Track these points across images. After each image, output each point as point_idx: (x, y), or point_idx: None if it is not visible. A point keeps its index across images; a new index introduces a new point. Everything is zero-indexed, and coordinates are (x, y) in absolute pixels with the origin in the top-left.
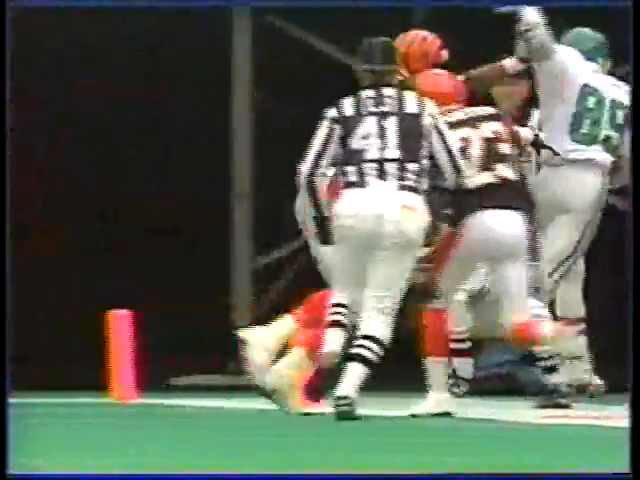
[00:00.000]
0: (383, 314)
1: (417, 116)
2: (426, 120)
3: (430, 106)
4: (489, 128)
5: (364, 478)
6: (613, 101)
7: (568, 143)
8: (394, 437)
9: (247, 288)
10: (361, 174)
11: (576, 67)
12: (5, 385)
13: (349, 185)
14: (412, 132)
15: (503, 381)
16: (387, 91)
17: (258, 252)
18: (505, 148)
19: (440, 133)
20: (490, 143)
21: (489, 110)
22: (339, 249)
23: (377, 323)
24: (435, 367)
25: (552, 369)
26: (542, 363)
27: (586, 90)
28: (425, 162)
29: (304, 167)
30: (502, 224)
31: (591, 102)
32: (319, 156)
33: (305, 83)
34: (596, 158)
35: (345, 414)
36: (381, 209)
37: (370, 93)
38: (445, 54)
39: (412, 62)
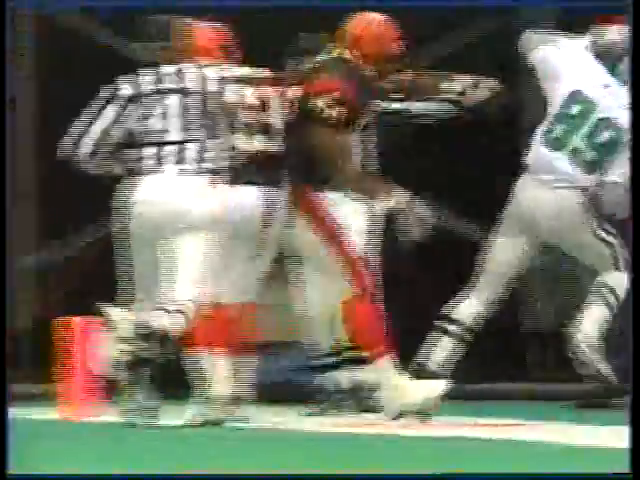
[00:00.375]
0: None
1: (202, 94)
2: (214, 97)
3: (219, 81)
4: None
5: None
6: (604, 120)
7: (540, 149)
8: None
9: (27, 289)
10: (140, 159)
11: (569, 72)
12: (6, 387)
13: (129, 172)
14: (197, 111)
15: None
16: (169, 69)
17: (39, 251)
18: (258, 116)
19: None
20: (243, 111)
21: (247, 71)
22: (131, 243)
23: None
24: (206, 364)
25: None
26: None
27: (575, 97)
28: (213, 142)
29: (71, 146)
30: (239, 202)
31: (575, 110)
32: (85, 134)
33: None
34: (544, 178)
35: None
36: (161, 195)
37: (150, 71)
38: (398, 46)
39: (365, 45)
